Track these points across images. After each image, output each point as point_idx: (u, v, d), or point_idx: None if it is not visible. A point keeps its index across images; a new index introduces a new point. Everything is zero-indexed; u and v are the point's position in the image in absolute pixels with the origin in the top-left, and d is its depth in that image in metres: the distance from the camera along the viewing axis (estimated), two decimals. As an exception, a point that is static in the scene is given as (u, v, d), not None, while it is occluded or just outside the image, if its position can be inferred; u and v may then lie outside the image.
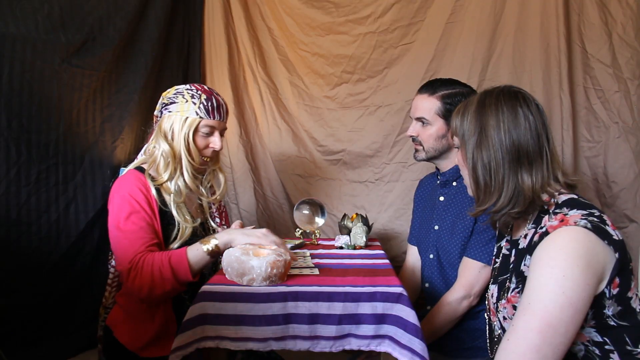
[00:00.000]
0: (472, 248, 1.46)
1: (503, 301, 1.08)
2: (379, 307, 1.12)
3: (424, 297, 1.69)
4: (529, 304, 0.91)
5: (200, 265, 1.31)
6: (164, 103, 1.49)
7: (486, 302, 1.23)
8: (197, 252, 1.30)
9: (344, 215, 1.78)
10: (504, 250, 1.18)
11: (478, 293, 1.45)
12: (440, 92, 1.56)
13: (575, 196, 1.02)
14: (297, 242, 1.68)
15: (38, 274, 1.73)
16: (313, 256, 1.49)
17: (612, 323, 0.94)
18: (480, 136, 1.05)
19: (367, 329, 1.12)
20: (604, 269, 0.91)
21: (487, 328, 1.22)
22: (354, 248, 1.63)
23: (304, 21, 2.33)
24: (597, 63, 1.88)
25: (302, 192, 2.33)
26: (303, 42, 2.34)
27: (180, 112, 1.44)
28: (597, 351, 0.95)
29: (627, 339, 0.94)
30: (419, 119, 1.59)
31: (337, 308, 1.11)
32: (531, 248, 0.98)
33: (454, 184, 1.60)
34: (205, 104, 1.45)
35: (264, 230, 1.35)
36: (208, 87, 1.52)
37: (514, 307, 1.02)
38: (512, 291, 1.05)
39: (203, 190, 1.57)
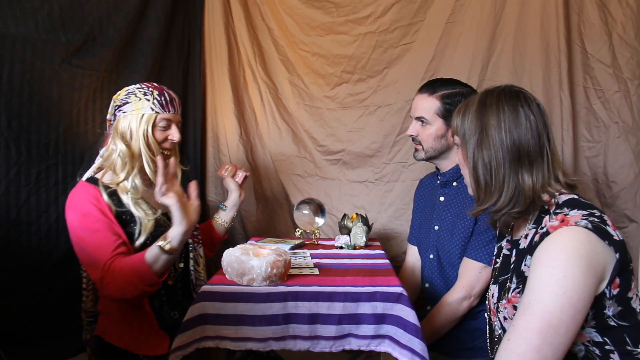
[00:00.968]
0: (472, 248, 1.46)
1: (503, 301, 1.08)
2: (379, 307, 1.12)
3: (423, 297, 1.69)
4: (530, 304, 0.91)
5: (162, 265, 1.32)
6: (116, 105, 1.51)
7: (486, 302, 1.23)
8: (155, 253, 1.30)
9: (344, 215, 1.78)
10: (504, 251, 1.17)
11: (478, 294, 1.45)
12: (440, 92, 1.56)
13: (575, 196, 1.02)
14: (297, 242, 1.68)
15: (38, 274, 1.73)
16: (313, 256, 1.49)
17: (613, 323, 0.94)
18: (481, 135, 1.05)
19: (367, 329, 1.12)
20: (605, 269, 0.91)
21: (488, 328, 1.22)
22: (354, 248, 1.63)
23: (304, 21, 2.33)
24: (597, 63, 1.88)
25: (302, 192, 2.33)
26: (303, 42, 2.34)
27: (135, 111, 1.46)
28: (597, 351, 0.95)
29: (627, 339, 0.94)
30: (418, 119, 1.59)
31: (337, 308, 1.12)
32: (532, 248, 0.98)
33: (454, 184, 1.60)
34: (159, 98, 1.48)
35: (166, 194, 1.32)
36: (157, 84, 1.54)
37: (515, 307, 1.02)
38: (512, 291, 1.05)
39: None
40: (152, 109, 1.47)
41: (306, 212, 1.73)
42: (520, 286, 1.02)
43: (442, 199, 1.62)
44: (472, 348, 1.48)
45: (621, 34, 1.82)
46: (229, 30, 2.39)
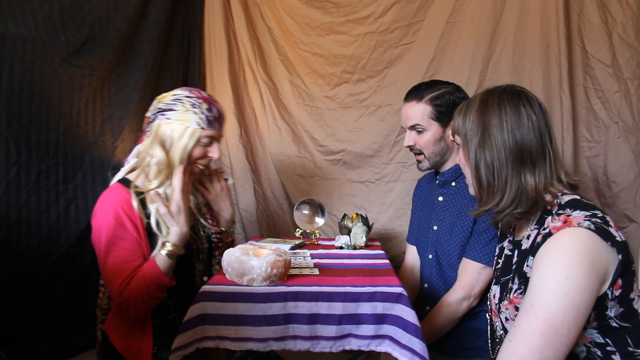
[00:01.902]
0: (471, 249, 1.46)
1: (505, 302, 1.08)
2: (379, 307, 1.12)
3: (423, 297, 1.69)
4: (532, 305, 0.91)
5: (170, 270, 1.33)
6: (160, 108, 1.44)
7: (488, 303, 1.23)
8: (164, 260, 1.31)
9: (344, 215, 1.78)
10: (506, 251, 1.17)
11: (478, 294, 1.45)
12: (427, 96, 1.54)
13: (578, 197, 1.02)
14: (297, 242, 1.68)
15: (38, 274, 1.73)
16: (313, 256, 1.49)
17: (614, 324, 0.94)
18: (483, 136, 1.05)
19: (367, 329, 1.12)
20: (607, 270, 0.91)
21: (489, 329, 1.22)
22: (354, 248, 1.63)
23: (304, 21, 2.33)
24: (597, 63, 1.88)
25: (302, 192, 2.33)
26: (303, 42, 2.34)
27: (180, 121, 1.40)
28: (599, 352, 0.95)
29: (629, 340, 0.94)
30: (412, 127, 1.57)
31: (337, 308, 1.11)
32: (534, 249, 0.98)
33: (453, 184, 1.60)
34: (207, 113, 1.41)
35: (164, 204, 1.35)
36: (207, 94, 1.48)
37: (517, 308, 1.02)
38: (514, 292, 1.04)
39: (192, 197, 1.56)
40: (199, 124, 1.40)
41: (306, 212, 1.73)
42: (523, 287, 1.02)
43: (440, 199, 1.62)
44: (472, 348, 1.48)
45: (621, 34, 1.82)
46: (229, 30, 2.39)
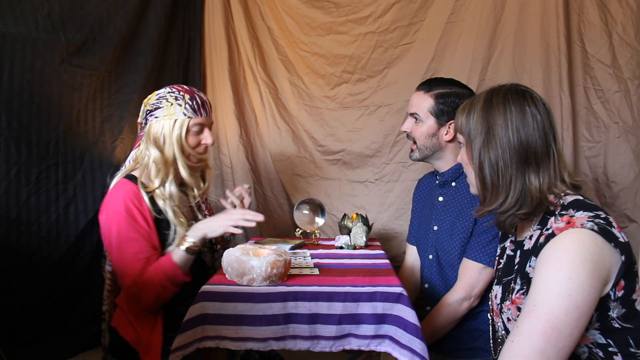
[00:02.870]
0: (472, 249, 1.46)
1: (507, 302, 1.07)
2: (379, 307, 1.12)
3: (423, 298, 1.69)
4: (534, 306, 0.90)
5: (187, 265, 1.37)
6: (147, 110, 1.48)
7: (489, 303, 1.23)
8: (181, 255, 1.34)
9: (344, 215, 1.78)
10: (508, 251, 1.17)
11: (478, 294, 1.45)
12: (435, 91, 1.57)
13: (581, 197, 1.01)
14: (297, 242, 1.68)
15: (38, 274, 1.73)
16: (313, 256, 1.49)
17: (617, 325, 0.94)
18: (488, 135, 1.04)
19: (367, 329, 1.12)
20: (610, 271, 0.91)
21: (490, 329, 1.21)
22: (354, 248, 1.63)
23: (304, 21, 2.33)
24: (597, 63, 1.88)
25: (302, 192, 2.33)
26: (303, 42, 2.34)
27: (167, 116, 1.44)
28: (600, 353, 0.95)
29: (630, 341, 0.94)
30: (412, 115, 1.61)
31: (337, 308, 1.11)
32: (537, 249, 0.98)
33: (453, 184, 1.60)
34: (191, 102, 1.46)
35: (224, 216, 1.41)
36: (188, 87, 1.52)
37: (519, 309, 1.02)
38: (516, 292, 1.04)
39: (195, 189, 1.59)
40: (185, 114, 1.44)
41: (306, 212, 1.73)
42: (525, 287, 1.01)
43: (440, 199, 1.62)
44: (472, 348, 1.48)
45: (621, 34, 1.82)
46: (229, 30, 2.39)
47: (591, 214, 0.94)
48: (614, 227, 0.93)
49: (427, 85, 1.60)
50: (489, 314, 1.23)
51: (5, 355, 1.56)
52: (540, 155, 1.02)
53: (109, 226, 1.36)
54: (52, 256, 1.77)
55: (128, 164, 1.53)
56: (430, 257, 1.61)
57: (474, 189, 1.13)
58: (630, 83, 1.80)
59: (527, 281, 1.00)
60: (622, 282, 0.92)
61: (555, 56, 1.92)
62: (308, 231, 1.74)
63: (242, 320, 1.11)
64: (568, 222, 0.94)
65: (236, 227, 1.39)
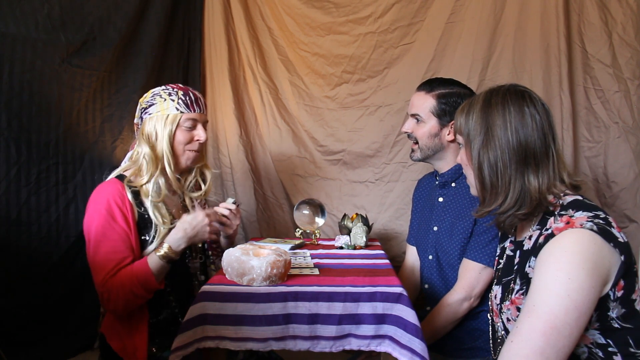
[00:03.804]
0: (472, 249, 1.46)
1: (507, 302, 1.07)
2: (379, 307, 1.12)
3: (423, 298, 1.69)
4: (534, 306, 0.90)
5: (161, 273, 1.34)
6: (142, 108, 1.49)
7: (489, 303, 1.23)
8: (156, 261, 1.32)
9: (344, 215, 1.78)
10: (507, 252, 1.17)
11: (478, 294, 1.45)
12: (437, 91, 1.57)
13: (580, 197, 1.01)
14: (297, 242, 1.68)
15: (38, 274, 1.73)
16: (313, 256, 1.49)
17: (616, 325, 0.94)
18: (487, 136, 1.04)
19: (367, 329, 1.12)
20: (609, 271, 0.91)
21: (490, 329, 1.21)
22: (354, 248, 1.63)
23: (304, 21, 2.33)
24: (597, 63, 1.88)
25: (302, 192, 2.33)
26: (303, 42, 2.34)
27: (160, 112, 1.45)
28: (600, 353, 0.95)
29: (630, 341, 0.94)
30: (413, 116, 1.61)
31: (337, 308, 1.11)
32: (536, 250, 0.98)
33: (453, 185, 1.60)
34: (184, 98, 1.46)
35: (206, 221, 1.39)
36: (182, 85, 1.53)
37: (518, 309, 1.02)
38: (516, 293, 1.04)
39: (185, 189, 1.58)
40: (177, 109, 1.45)
41: (306, 212, 1.73)
42: (524, 287, 1.01)
43: (440, 199, 1.62)
44: (471, 348, 1.48)
45: (621, 34, 1.82)
46: (229, 30, 2.39)
47: (590, 214, 0.94)
48: (613, 227, 0.93)
49: (428, 85, 1.60)
50: (488, 314, 1.23)
51: (5, 356, 1.56)
52: (539, 155, 1.02)
53: (88, 223, 1.36)
54: (52, 256, 1.77)
55: (123, 164, 1.54)
56: (430, 257, 1.61)
57: (473, 190, 1.13)
58: (630, 83, 1.80)
59: (526, 281, 1.00)
60: (622, 282, 0.92)
61: (555, 56, 1.92)
62: (308, 231, 1.74)
63: (242, 321, 1.11)
64: (567, 222, 0.94)
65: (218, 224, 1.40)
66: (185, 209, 1.59)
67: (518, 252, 1.10)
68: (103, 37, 1.88)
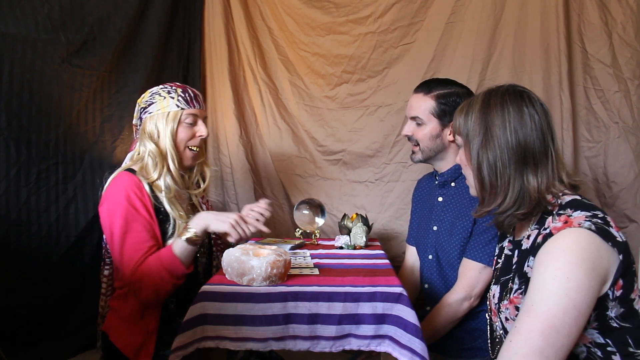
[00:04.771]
0: (472, 249, 1.46)
1: (505, 302, 1.07)
2: (379, 307, 1.12)
3: (423, 298, 1.69)
4: (532, 305, 0.91)
5: (188, 256, 1.35)
6: (141, 108, 1.50)
7: (487, 303, 1.23)
8: (182, 245, 1.33)
9: (344, 215, 1.78)
10: (506, 251, 1.17)
11: (479, 294, 1.45)
12: (435, 92, 1.56)
13: (578, 197, 1.01)
14: (297, 242, 1.68)
15: (38, 274, 1.73)
16: (313, 256, 1.49)
17: (615, 325, 0.94)
18: (486, 136, 1.04)
19: (367, 329, 1.12)
20: (608, 271, 0.91)
21: (489, 328, 1.21)
22: (354, 248, 1.63)
23: (304, 21, 2.33)
24: (597, 63, 1.88)
25: (302, 192, 2.33)
26: (303, 42, 2.34)
27: (161, 110, 1.46)
28: (599, 353, 0.95)
29: (629, 340, 0.94)
30: (413, 118, 1.60)
31: (337, 308, 1.11)
32: (534, 249, 0.98)
33: (452, 184, 1.60)
34: (183, 95, 1.47)
35: (235, 216, 1.37)
36: (180, 83, 1.54)
37: (517, 308, 1.02)
38: (514, 292, 1.04)
39: (191, 186, 1.59)
40: (178, 106, 1.46)
41: (306, 212, 1.73)
42: (523, 287, 1.01)
43: (440, 199, 1.62)
44: (471, 348, 1.48)
45: (621, 34, 1.82)
46: (229, 30, 2.39)
47: (589, 214, 0.94)
48: (611, 227, 0.93)
49: (426, 86, 1.59)
50: (487, 314, 1.23)
51: (5, 356, 1.56)
52: (538, 155, 1.02)
53: (110, 217, 1.36)
54: (52, 256, 1.77)
55: (125, 163, 1.54)
56: (430, 257, 1.61)
57: (473, 190, 1.13)
58: (630, 83, 1.80)
59: (525, 281, 1.00)
60: (621, 282, 0.92)
61: (555, 56, 1.92)
62: (308, 231, 1.74)
63: (242, 321, 1.11)
64: (565, 222, 0.94)
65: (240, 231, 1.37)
66: (192, 206, 1.60)
67: (516, 252, 1.10)
68: (103, 37, 1.88)
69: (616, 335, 0.94)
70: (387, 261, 1.43)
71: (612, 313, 0.93)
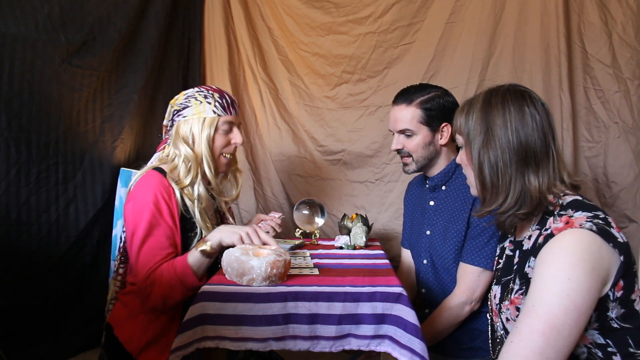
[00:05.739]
0: (468, 253, 1.45)
1: (506, 302, 1.07)
2: (378, 307, 1.12)
3: (420, 301, 1.68)
4: (533, 306, 0.90)
5: (201, 269, 1.32)
6: (175, 110, 1.46)
7: (488, 303, 1.23)
8: (196, 257, 1.30)
9: (344, 215, 1.78)
10: (507, 251, 1.17)
11: (479, 298, 1.44)
12: (417, 100, 1.53)
13: (579, 197, 1.01)
14: (297, 242, 1.68)
15: (38, 274, 1.73)
16: (313, 256, 1.49)
17: (615, 325, 0.94)
18: (487, 135, 1.04)
19: (367, 329, 1.12)
20: (609, 271, 0.91)
21: (489, 329, 1.21)
22: (354, 248, 1.63)
23: (304, 21, 2.33)
24: (597, 63, 1.88)
25: (302, 192, 2.33)
26: (303, 42, 2.34)
27: (197, 115, 1.42)
28: (599, 353, 0.95)
29: (630, 341, 0.94)
30: (401, 132, 1.56)
31: (337, 308, 1.11)
32: (535, 250, 0.98)
33: (443, 188, 1.58)
34: (220, 101, 1.44)
35: (247, 229, 1.33)
36: (216, 87, 1.51)
37: (518, 309, 1.02)
38: (515, 292, 1.04)
39: (224, 193, 1.58)
40: (215, 112, 1.43)
41: (306, 212, 1.73)
42: (524, 287, 1.01)
43: (432, 203, 1.61)
44: (471, 348, 1.48)
45: (621, 34, 1.82)
46: (229, 30, 2.39)
47: (590, 214, 0.94)
48: (612, 228, 0.93)
49: (406, 97, 1.55)
50: (488, 314, 1.23)
51: (5, 355, 1.56)
52: (539, 155, 1.02)
53: (134, 218, 1.33)
54: (52, 256, 1.77)
55: (152, 163, 1.50)
56: (425, 261, 1.60)
57: (474, 190, 1.13)
58: (630, 83, 1.80)
59: (526, 281, 1.00)
60: (621, 283, 0.92)
61: (555, 56, 1.92)
62: (308, 231, 1.74)
63: (241, 321, 1.11)
64: (567, 223, 0.94)
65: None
66: (217, 213, 1.59)
67: (517, 252, 1.10)
68: (103, 37, 1.88)
69: (617, 336, 0.94)
70: (386, 261, 1.43)
71: (612, 314, 0.93)
